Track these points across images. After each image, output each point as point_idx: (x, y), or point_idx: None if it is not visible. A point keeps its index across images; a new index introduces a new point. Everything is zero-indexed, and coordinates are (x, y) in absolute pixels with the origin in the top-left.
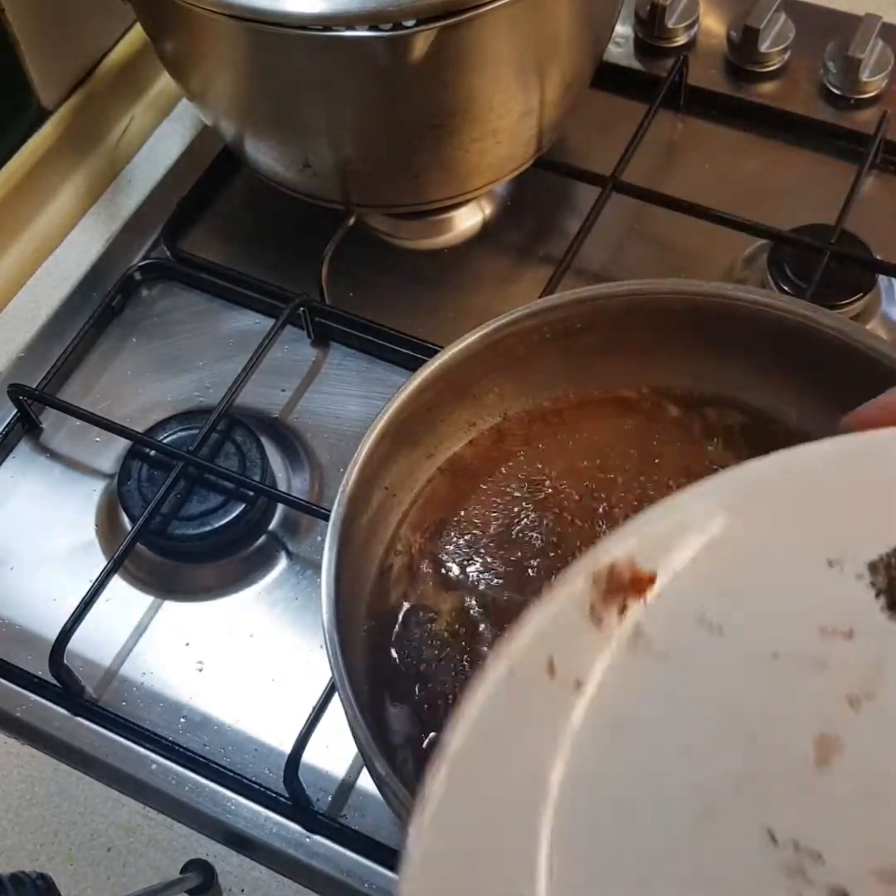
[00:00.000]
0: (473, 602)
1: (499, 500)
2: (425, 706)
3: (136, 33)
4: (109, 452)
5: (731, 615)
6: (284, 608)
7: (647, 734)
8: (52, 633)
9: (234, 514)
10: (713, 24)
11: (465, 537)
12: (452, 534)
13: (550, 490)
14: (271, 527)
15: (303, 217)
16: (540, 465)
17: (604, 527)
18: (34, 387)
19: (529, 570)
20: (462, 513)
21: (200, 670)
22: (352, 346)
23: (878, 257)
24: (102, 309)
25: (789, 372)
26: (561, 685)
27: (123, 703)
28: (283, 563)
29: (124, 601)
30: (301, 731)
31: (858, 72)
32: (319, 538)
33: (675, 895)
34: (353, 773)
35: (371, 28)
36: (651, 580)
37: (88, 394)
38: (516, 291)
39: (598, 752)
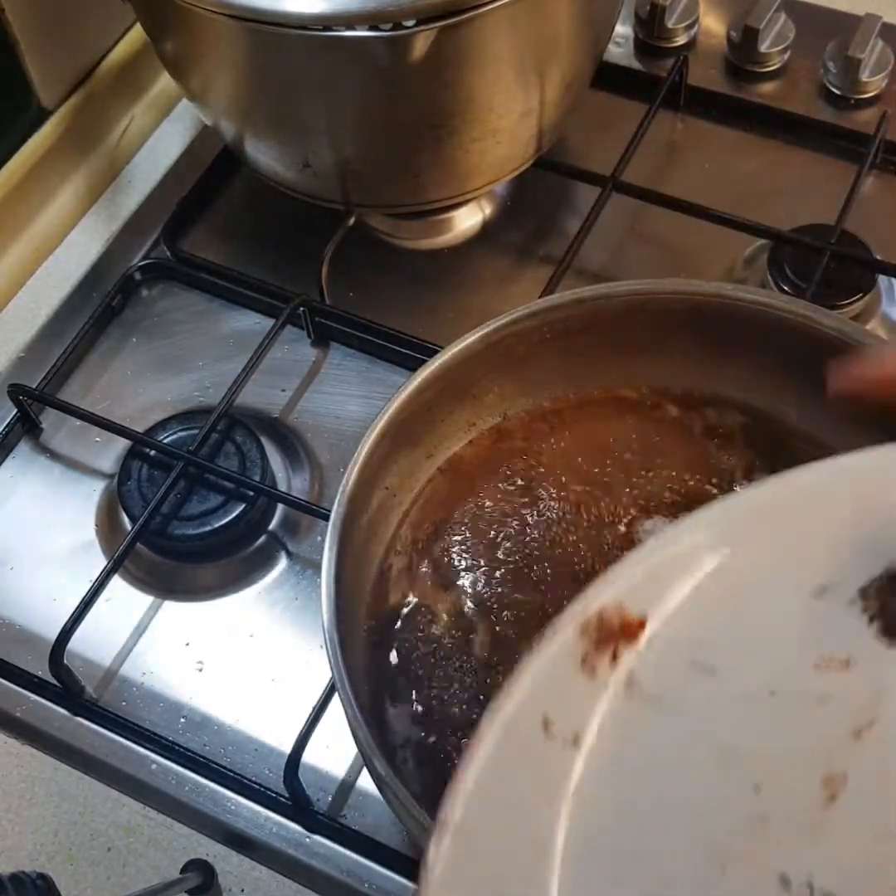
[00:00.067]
0: (473, 602)
1: (499, 500)
2: (425, 706)
3: (136, 33)
4: (109, 452)
5: (724, 655)
6: (284, 608)
7: (651, 786)
8: (52, 633)
9: (234, 514)
10: (713, 24)
11: (465, 537)
12: (452, 534)
13: (550, 490)
14: (271, 527)
15: (303, 217)
16: (540, 466)
17: (602, 526)
18: (34, 387)
19: (529, 571)
20: (462, 513)
21: (200, 670)
22: (352, 346)
23: (878, 257)
24: (102, 309)
25: (789, 372)
26: (559, 743)
27: (123, 703)
28: (283, 563)
29: (124, 601)
30: (301, 731)
31: (858, 72)
32: (319, 538)
33: None
34: (353, 773)
35: (371, 28)
36: (641, 625)
37: (88, 394)
38: (516, 291)
39: (601, 809)
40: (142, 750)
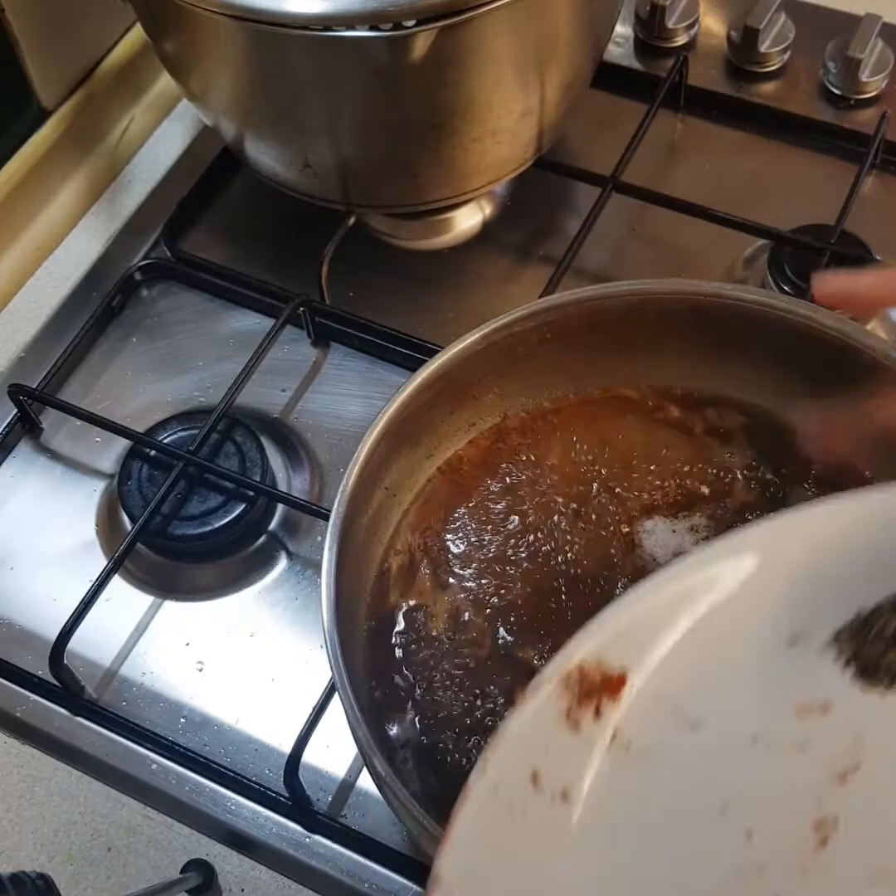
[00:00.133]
0: (473, 602)
1: (498, 501)
2: (426, 706)
3: (136, 33)
4: (109, 452)
5: (706, 707)
6: (284, 608)
7: (644, 840)
8: (52, 633)
9: (234, 514)
10: (713, 24)
11: (465, 537)
12: (452, 534)
13: (550, 490)
14: (271, 527)
15: (303, 217)
16: (539, 466)
17: (602, 526)
18: (34, 387)
19: (529, 570)
20: (462, 513)
21: (200, 670)
22: (352, 346)
23: (878, 257)
24: (102, 309)
25: (789, 372)
26: (547, 796)
27: (123, 703)
28: (283, 563)
29: (124, 601)
30: (301, 731)
31: (858, 72)
32: (319, 538)
33: None
34: (353, 773)
35: (371, 28)
36: (621, 680)
37: (88, 394)
38: (516, 291)
39: (594, 865)
40: (142, 750)
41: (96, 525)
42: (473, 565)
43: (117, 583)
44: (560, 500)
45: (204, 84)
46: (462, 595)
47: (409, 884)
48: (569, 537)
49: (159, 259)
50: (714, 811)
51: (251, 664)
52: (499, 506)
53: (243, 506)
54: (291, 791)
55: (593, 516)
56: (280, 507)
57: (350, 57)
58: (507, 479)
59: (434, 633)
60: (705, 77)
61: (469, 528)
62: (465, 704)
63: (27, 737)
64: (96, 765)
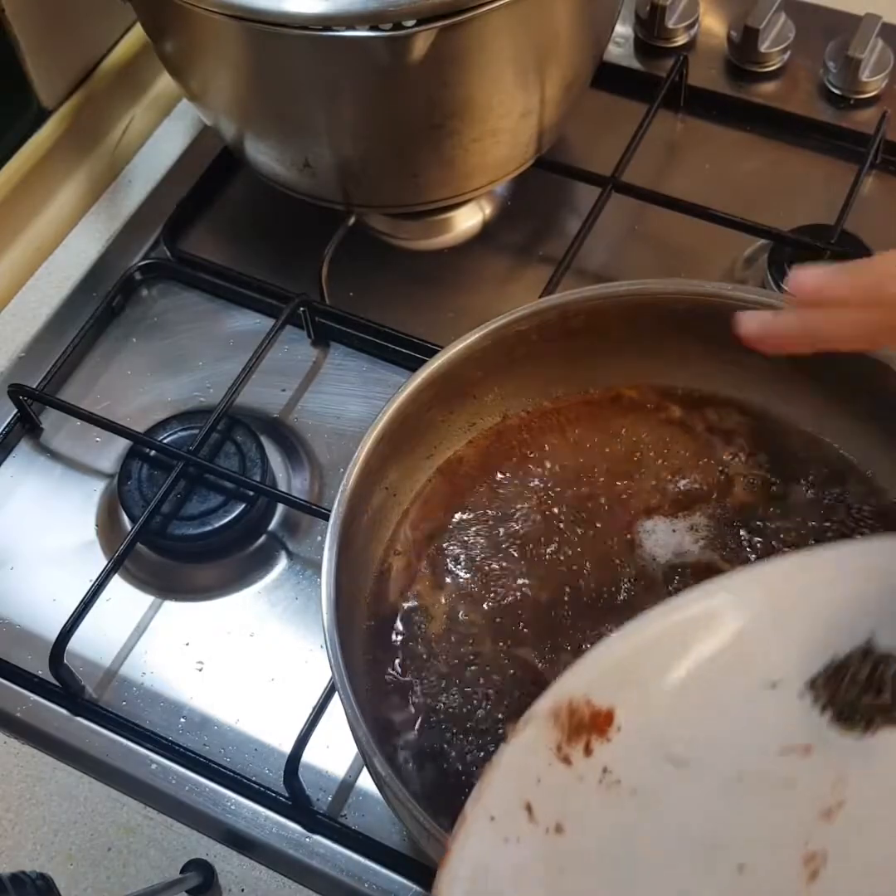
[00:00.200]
0: (472, 602)
1: (498, 501)
2: (425, 705)
3: (136, 33)
4: (109, 452)
5: (691, 745)
6: (284, 608)
7: (638, 876)
8: (52, 633)
9: (234, 514)
10: (713, 24)
11: (465, 537)
12: (452, 534)
13: (550, 490)
14: (271, 527)
15: (303, 217)
16: (539, 466)
17: (602, 526)
18: (34, 387)
19: (529, 570)
20: (462, 513)
21: (200, 670)
22: (352, 346)
23: None
24: (102, 309)
25: (789, 371)
26: (542, 829)
27: (123, 703)
28: (283, 563)
29: (124, 601)
30: (301, 731)
31: (858, 72)
32: (319, 538)
33: None
34: (353, 773)
35: (371, 28)
36: (609, 716)
37: (88, 394)
38: (516, 291)
39: None
40: (142, 750)
41: (96, 525)
42: (473, 565)
43: (117, 583)
44: (560, 499)
45: (204, 84)
46: (462, 595)
47: (409, 884)
48: (569, 537)
49: (159, 259)
50: (705, 845)
51: (251, 664)
52: (498, 506)
53: (243, 506)
54: (291, 791)
55: (593, 516)
56: (280, 507)
57: (350, 57)
58: (507, 479)
59: (434, 633)
60: (705, 77)
61: (469, 528)
62: (465, 704)
63: (27, 737)
64: (96, 765)
